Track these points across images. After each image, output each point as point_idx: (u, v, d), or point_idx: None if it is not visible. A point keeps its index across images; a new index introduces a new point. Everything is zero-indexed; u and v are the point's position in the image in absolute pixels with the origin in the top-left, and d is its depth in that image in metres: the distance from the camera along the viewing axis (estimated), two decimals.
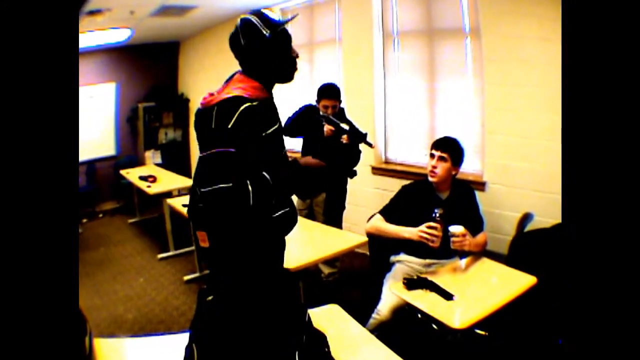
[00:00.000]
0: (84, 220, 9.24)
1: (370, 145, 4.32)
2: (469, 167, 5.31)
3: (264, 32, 2.44)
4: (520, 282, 3.31)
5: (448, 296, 3.06)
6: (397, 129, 6.38)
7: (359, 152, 4.92)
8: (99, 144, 9.90)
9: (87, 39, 8.10)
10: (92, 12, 6.62)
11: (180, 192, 7.40)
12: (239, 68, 2.56)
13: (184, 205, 5.65)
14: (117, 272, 6.61)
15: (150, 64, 10.30)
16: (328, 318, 2.61)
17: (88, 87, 9.52)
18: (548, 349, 3.55)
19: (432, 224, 3.44)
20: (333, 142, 4.66)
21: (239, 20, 2.53)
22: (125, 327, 5.06)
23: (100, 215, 9.68)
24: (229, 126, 2.26)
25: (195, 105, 10.20)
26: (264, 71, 2.51)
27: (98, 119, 9.88)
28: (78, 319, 1.97)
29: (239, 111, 2.27)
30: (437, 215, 3.45)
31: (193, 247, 6.34)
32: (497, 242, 4.60)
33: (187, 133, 10.73)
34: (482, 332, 3.48)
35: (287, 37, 2.52)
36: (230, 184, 2.20)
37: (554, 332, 3.59)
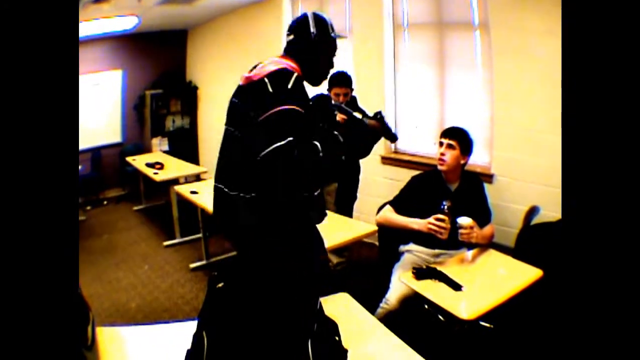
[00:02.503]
0: (88, 208, 9.22)
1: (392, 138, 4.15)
2: (478, 159, 5.31)
3: (330, 32, 2.76)
4: (526, 274, 3.33)
5: (457, 287, 3.08)
6: (407, 120, 6.36)
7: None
8: (104, 131, 9.88)
9: (94, 26, 8.07)
10: (98, 0, 6.62)
11: (187, 180, 7.43)
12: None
13: (192, 192, 5.68)
14: (120, 259, 6.61)
15: (158, 52, 10.27)
16: (338, 306, 2.62)
17: (94, 74, 9.48)
18: (555, 343, 3.56)
19: (440, 216, 3.47)
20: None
21: (310, 13, 2.76)
22: (128, 316, 5.05)
23: (105, 203, 9.67)
24: (289, 87, 2.42)
25: (204, 93, 10.33)
26: (308, 63, 2.70)
27: (104, 106, 9.86)
28: (81, 307, 1.98)
29: (294, 77, 2.44)
30: (446, 207, 3.48)
31: (200, 235, 6.34)
32: (503, 234, 4.62)
33: (195, 120, 10.72)
34: (488, 325, 3.49)
35: (335, 47, 2.82)
36: (291, 139, 2.30)
37: (561, 326, 3.61)
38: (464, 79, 5.62)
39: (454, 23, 5.67)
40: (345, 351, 2.33)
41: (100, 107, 9.77)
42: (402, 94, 6.31)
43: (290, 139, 2.29)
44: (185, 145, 10.40)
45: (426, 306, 3.34)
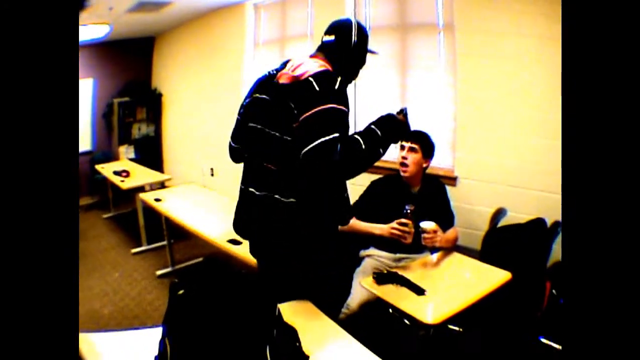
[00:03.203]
0: None
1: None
2: (441, 162, 5.32)
3: (367, 45, 2.96)
4: (494, 277, 3.33)
5: (419, 291, 3.06)
6: (367, 123, 6.25)
7: None
8: None
9: None
10: None
11: (153, 187, 7.39)
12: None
13: (156, 200, 5.66)
14: (92, 267, 6.58)
15: (126, 60, 10.28)
16: (298, 313, 2.62)
17: None
18: (525, 346, 3.59)
19: (403, 220, 3.47)
20: None
21: (355, 21, 2.92)
22: (102, 323, 5.06)
23: None
24: (336, 87, 2.48)
25: (168, 100, 10.28)
26: (341, 67, 2.77)
27: None
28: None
29: (339, 79, 2.51)
30: (408, 211, 3.47)
31: (165, 242, 6.35)
32: (469, 237, 4.66)
33: (160, 128, 10.71)
34: (456, 328, 3.51)
35: (365, 61, 3.01)
36: (338, 135, 2.38)
37: (532, 328, 3.63)
38: (427, 81, 5.62)
39: (417, 25, 5.68)
40: (306, 357, 2.33)
41: None
42: (362, 97, 6.29)
43: (336, 134, 2.37)
44: (150, 153, 10.43)
45: (391, 310, 3.35)
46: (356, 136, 2.57)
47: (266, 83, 2.82)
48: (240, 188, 2.92)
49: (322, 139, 2.34)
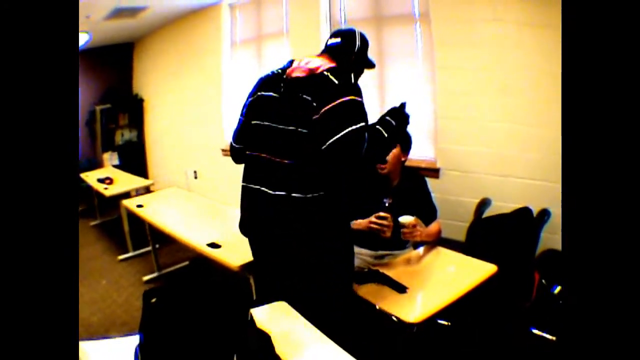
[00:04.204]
0: None
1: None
2: (422, 154, 5.29)
3: (368, 53, 3.05)
4: (478, 270, 3.28)
5: (401, 289, 3.03)
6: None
7: None
8: None
9: None
10: None
11: (138, 192, 7.44)
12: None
13: (138, 206, 5.63)
14: (81, 275, 6.43)
15: (106, 67, 10.27)
16: (275, 316, 2.59)
17: None
18: (517, 337, 3.56)
19: (381, 214, 3.41)
20: None
21: (358, 31, 3.03)
22: (92, 330, 5.04)
23: None
24: (353, 82, 2.59)
25: (150, 105, 10.26)
26: (349, 66, 2.83)
27: None
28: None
29: (352, 74, 2.63)
30: (387, 204, 3.43)
31: (150, 248, 6.30)
32: (454, 229, 4.61)
33: (142, 133, 10.67)
34: (445, 322, 3.47)
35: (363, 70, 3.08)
36: (362, 124, 2.46)
37: (522, 319, 3.60)
38: (405, 73, 5.58)
39: (393, 16, 5.64)
40: None
41: None
42: None
43: (362, 123, 2.46)
44: (133, 158, 10.39)
45: (377, 306, 3.31)
46: (378, 127, 2.65)
47: (271, 81, 2.87)
48: (247, 187, 2.90)
49: (350, 128, 2.42)
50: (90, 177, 8.19)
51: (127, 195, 7.11)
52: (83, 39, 8.47)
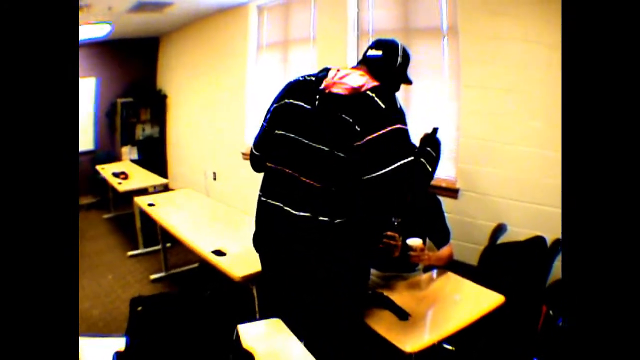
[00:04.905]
0: None
1: None
2: (442, 173, 5.16)
3: (408, 68, 2.92)
4: (486, 300, 3.18)
5: (403, 315, 2.94)
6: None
7: None
8: None
9: None
10: None
11: (156, 189, 7.39)
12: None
13: (150, 205, 5.58)
14: (86, 267, 6.55)
15: (130, 60, 10.27)
16: (268, 332, 2.51)
17: None
18: None
19: (389, 233, 3.32)
20: None
21: (401, 44, 2.88)
22: (90, 323, 5.01)
23: None
24: (398, 106, 2.47)
25: (173, 101, 10.23)
26: (387, 84, 2.69)
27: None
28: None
29: (396, 96, 2.52)
30: (395, 223, 3.33)
31: (160, 247, 6.26)
32: (468, 252, 4.51)
33: (164, 129, 10.66)
34: (449, 347, 3.38)
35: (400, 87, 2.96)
36: (412, 158, 2.39)
37: (527, 348, 3.51)
38: (430, 88, 5.45)
39: (421, 30, 5.51)
40: None
41: None
42: None
43: (411, 158, 2.37)
44: (154, 155, 10.38)
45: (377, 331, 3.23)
46: (422, 159, 2.53)
47: (302, 89, 2.73)
48: (266, 202, 2.78)
49: (399, 163, 2.33)
50: (106, 170, 8.24)
51: (141, 191, 7.10)
52: (104, 29, 8.47)
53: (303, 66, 6.87)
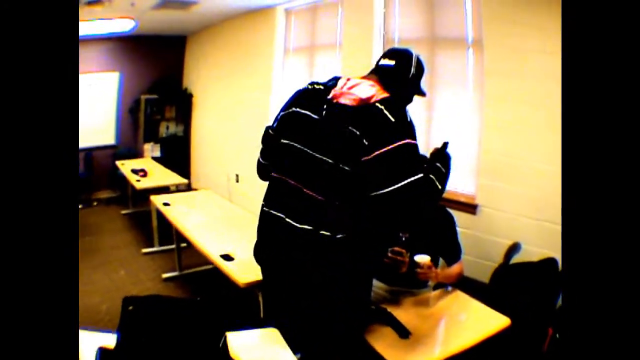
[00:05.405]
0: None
1: None
2: (462, 188, 5.08)
3: (421, 79, 2.81)
4: (491, 322, 3.09)
5: (404, 333, 2.86)
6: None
7: None
8: (98, 132, 9.87)
9: (90, 26, 8.02)
10: (90, 3, 6.53)
11: (179, 188, 7.45)
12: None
13: (165, 204, 5.57)
14: (99, 262, 6.60)
15: (156, 57, 10.30)
16: (262, 342, 2.48)
17: (90, 74, 9.49)
18: None
19: (396, 248, 3.24)
20: None
21: (415, 54, 2.78)
22: (97, 317, 5.03)
23: (95, 204, 9.67)
24: (409, 119, 2.39)
25: (199, 101, 10.25)
26: (398, 96, 2.59)
27: (99, 107, 9.86)
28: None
29: (407, 109, 2.44)
30: (403, 239, 3.26)
31: (174, 246, 6.24)
32: (482, 269, 4.42)
33: (189, 128, 10.66)
34: None
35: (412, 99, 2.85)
36: (421, 175, 2.32)
37: None
38: (454, 99, 5.37)
39: (446, 39, 5.43)
40: None
41: (95, 108, 9.76)
42: None
43: (420, 175, 2.30)
44: (177, 153, 10.37)
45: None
46: (431, 176, 2.46)
47: (309, 97, 2.66)
48: (268, 212, 2.70)
49: (409, 180, 2.27)
50: (126, 166, 8.26)
51: (161, 189, 7.11)
52: (128, 25, 8.48)
53: (328, 72, 6.76)
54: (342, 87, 2.49)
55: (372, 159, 2.27)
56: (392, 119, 2.31)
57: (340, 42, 6.64)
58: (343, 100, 2.44)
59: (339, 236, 2.40)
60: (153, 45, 10.01)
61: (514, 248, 4.35)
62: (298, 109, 2.61)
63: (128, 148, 10.10)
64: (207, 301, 2.25)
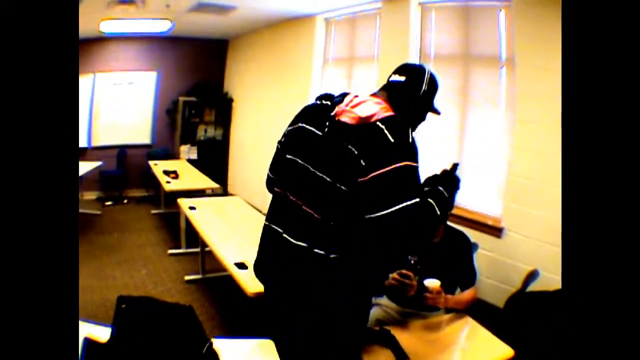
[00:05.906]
0: (108, 203, 9.53)
1: None
2: (489, 210, 5.01)
3: (434, 99, 2.74)
4: (495, 353, 3.01)
5: (402, 357, 2.79)
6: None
7: None
8: (133, 130, 10.05)
9: (125, 25, 8.14)
10: (124, 2, 6.59)
11: (214, 192, 7.52)
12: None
13: (191, 208, 5.60)
14: (123, 259, 6.70)
15: (196, 59, 10.40)
16: (256, 352, 2.48)
17: (127, 72, 9.68)
18: None
19: (404, 271, 3.17)
20: None
21: (428, 70, 2.71)
22: (112, 313, 4.97)
23: (125, 201, 9.84)
24: (410, 140, 2.27)
25: (239, 106, 10.30)
26: (408, 115, 2.54)
27: (136, 105, 10.01)
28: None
29: (410, 129, 2.31)
30: (412, 262, 3.19)
31: (199, 249, 6.26)
32: (500, 293, 4.38)
33: (228, 133, 10.70)
34: None
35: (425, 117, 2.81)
36: (417, 200, 2.21)
37: None
38: (486, 118, 5.30)
39: (480, 57, 5.38)
40: None
41: (132, 106, 9.93)
42: (422, 126, 5.95)
43: (417, 200, 2.21)
44: (214, 157, 10.43)
45: None
46: (430, 200, 2.39)
47: (316, 113, 2.58)
48: (269, 227, 2.64)
49: (403, 204, 2.17)
50: (158, 167, 8.34)
51: (191, 193, 7.11)
52: (165, 25, 8.55)
53: (366, 84, 6.81)
54: (347, 104, 2.41)
55: (368, 181, 2.20)
56: (392, 140, 2.22)
57: (377, 55, 6.62)
58: (343, 118, 2.37)
59: (332, 256, 2.34)
60: (193, 47, 10.12)
61: (532, 275, 4.29)
62: (304, 125, 2.56)
63: (163, 149, 10.20)
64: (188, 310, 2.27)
